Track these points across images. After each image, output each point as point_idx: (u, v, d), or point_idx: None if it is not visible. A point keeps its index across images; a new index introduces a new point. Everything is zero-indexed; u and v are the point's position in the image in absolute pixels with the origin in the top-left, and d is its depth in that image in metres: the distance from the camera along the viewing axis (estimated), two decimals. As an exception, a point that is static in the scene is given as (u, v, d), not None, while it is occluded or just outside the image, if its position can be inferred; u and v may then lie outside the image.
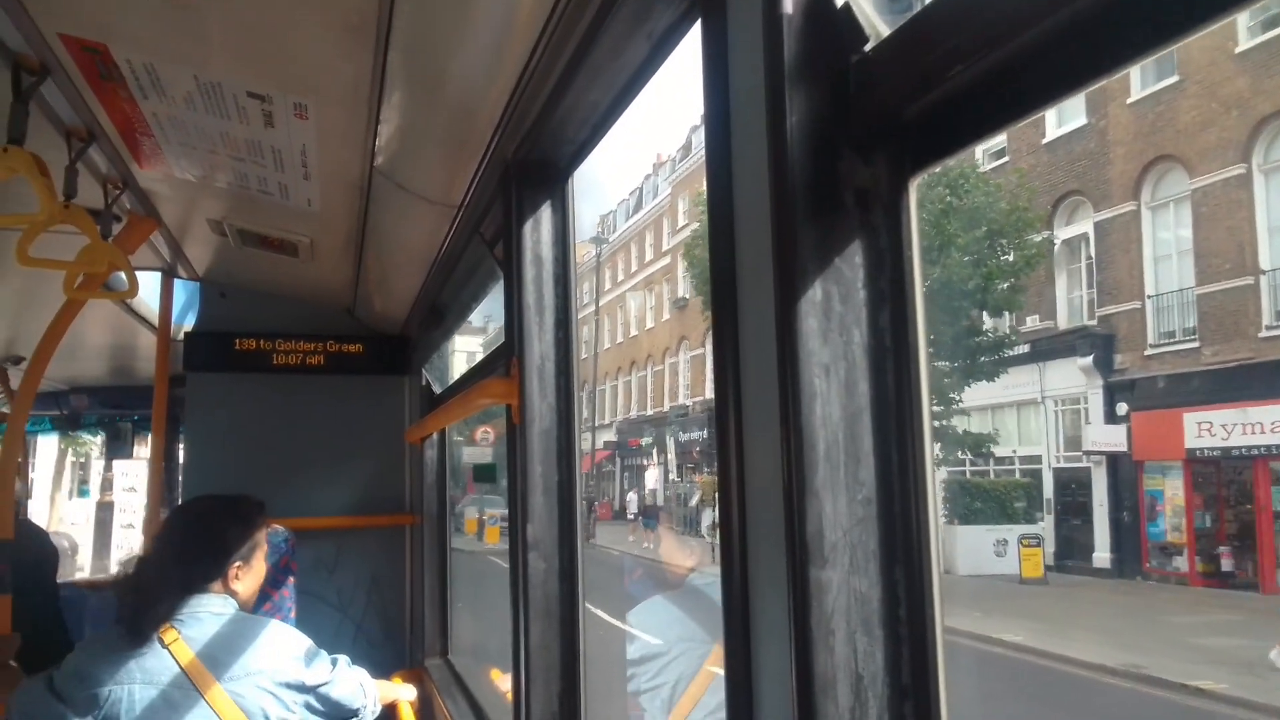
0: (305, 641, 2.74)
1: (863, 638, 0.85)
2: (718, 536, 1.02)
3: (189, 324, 4.39)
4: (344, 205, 2.83)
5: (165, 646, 2.50)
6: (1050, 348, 23.27)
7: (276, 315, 4.28)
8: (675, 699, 3.56)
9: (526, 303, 2.04)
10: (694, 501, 33.50)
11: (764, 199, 0.93)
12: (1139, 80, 21.26)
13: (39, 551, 4.25)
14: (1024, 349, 23.24)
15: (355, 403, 4.37)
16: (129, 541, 15.13)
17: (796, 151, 0.89)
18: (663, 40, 1.48)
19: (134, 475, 15.62)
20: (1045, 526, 23.22)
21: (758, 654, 0.95)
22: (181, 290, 4.13)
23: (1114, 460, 21.76)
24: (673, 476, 40.47)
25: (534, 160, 2.02)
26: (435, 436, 4.17)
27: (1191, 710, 10.92)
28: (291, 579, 3.76)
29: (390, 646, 4.31)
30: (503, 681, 3.65)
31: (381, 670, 3.45)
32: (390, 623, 4.35)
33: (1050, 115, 23.32)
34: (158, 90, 2.18)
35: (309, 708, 2.67)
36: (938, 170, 20.07)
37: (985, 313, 22.48)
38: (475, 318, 3.92)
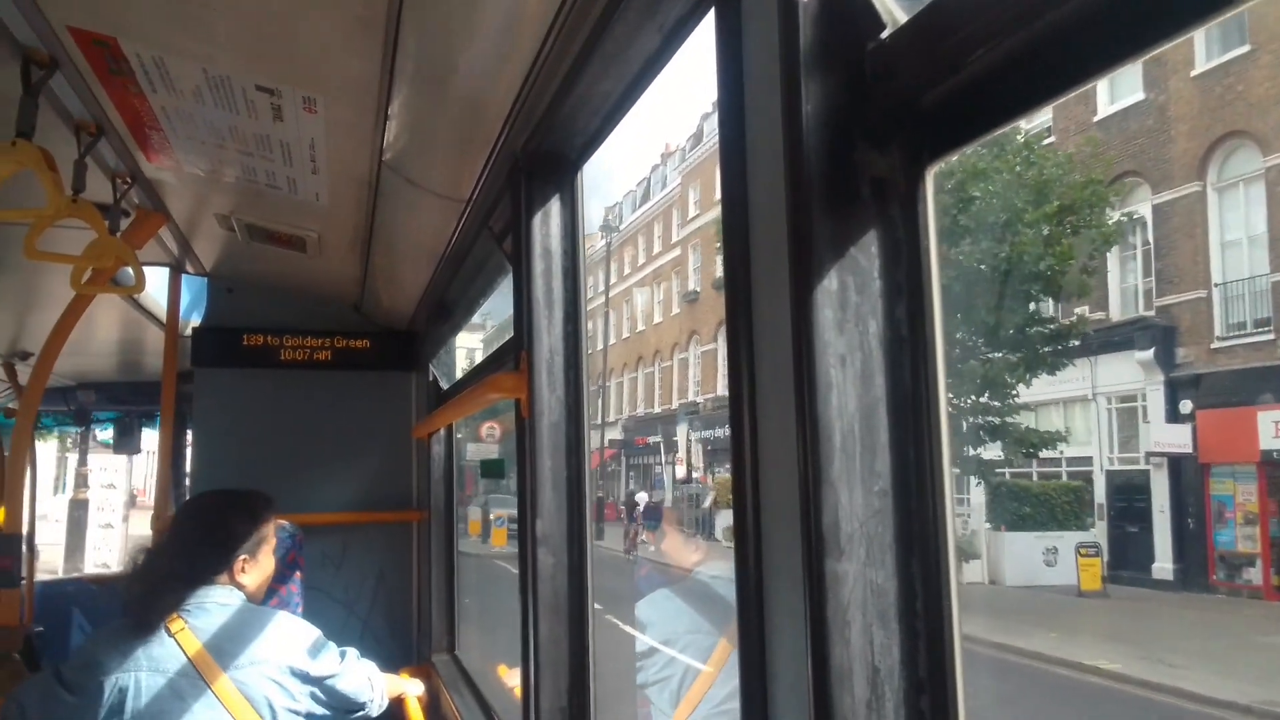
0: (314, 633, 2.74)
1: (879, 630, 0.84)
2: (733, 535, 1.01)
3: (196, 319, 4.39)
4: (352, 200, 2.83)
5: (172, 636, 2.52)
6: (1103, 340, 21.02)
7: (284, 311, 4.28)
8: (683, 691, 3.56)
9: (535, 297, 2.04)
10: (707, 503, 32.30)
11: (779, 189, 0.93)
12: (1204, 51, 19.52)
13: None
14: (1073, 342, 20.92)
15: (362, 398, 4.37)
16: (108, 542, 14.26)
17: (812, 141, 0.88)
18: (674, 31, 1.47)
19: (113, 471, 14.78)
20: (1097, 534, 21.28)
21: (772, 645, 0.94)
22: (189, 286, 4.14)
23: (1176, 462, 20.02)
24: (680, 475, 39.42)
25: (543, 153, 2.02)
26: (442, 432, 4.17)
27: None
28: (298, 574, 3.76)
29: (397, 642, 4.31)
30: (510, 678, 3.65)
31: (388, 666, 3.45)
32: (397, 619, 4.35)
33: (1102, 91, 21.61)
34: (166, 84, 2.17)
35: (315, 699, 2.68)
36: (1004, 138, 18.54)
37: (1051, 298, 20.40)
38: (475, 314, 3.92)
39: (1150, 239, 21.11)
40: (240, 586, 2.73)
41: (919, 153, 0.87)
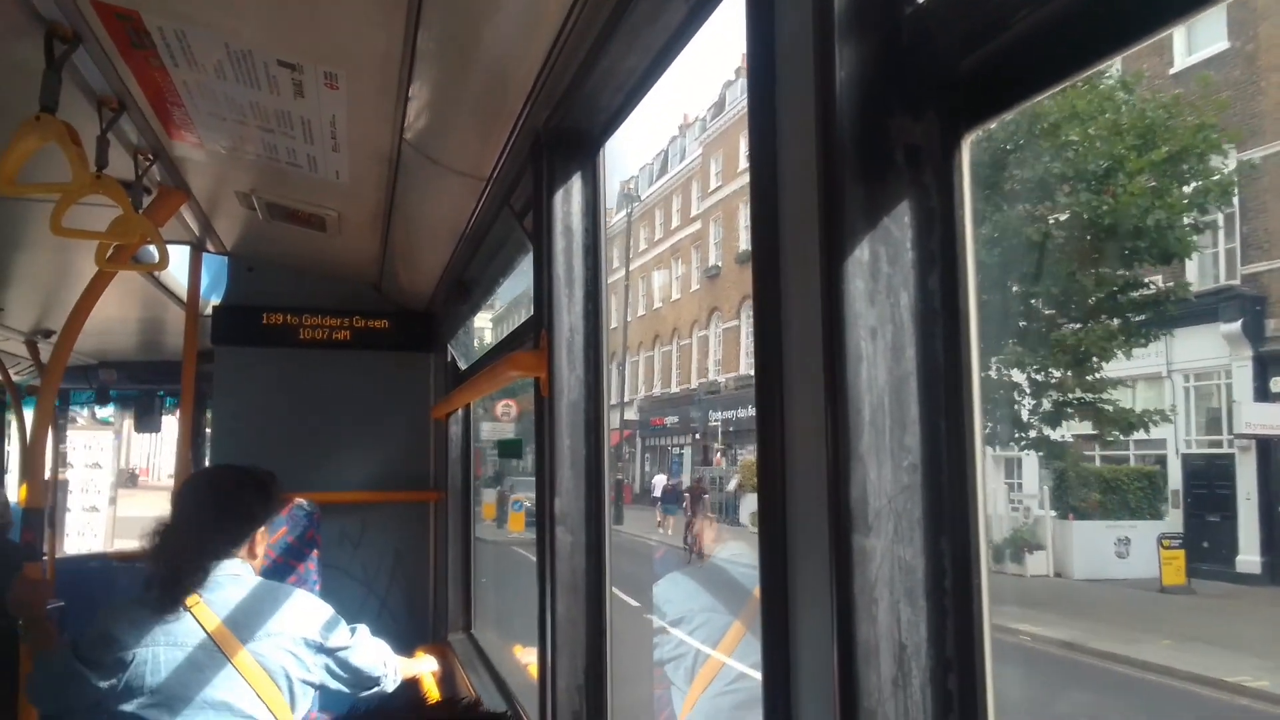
0: (328, 609, 2.78)
1: (906, 607, 0.83)
2: (758, 510, 0.99)
3: (216, 298, 4.41)
4: (372, 178, 2.82)
5: (189, 610, 2.54)
6: (1179, 312, 18.29)
7: (303, 290, 4.29)
8: (697, 668, 3.56)
9: (556, 274, 2.02)
10: (732, 486, 30.98)
11: (810, 157, 0.91)
12: (1300, -7, 17.01)
13: None
14: (1170, 310, 18.17)
15: (381, 378, 4.39)
16: (92, 527, 13.41)
17: (845, 108, 0.87)
18: (700, 3, 1.45)
19: (98, 449, 13.73)
20: (1171, 523, 19.33)
21: (796, 621, 0.93)
22: (209, 264, 4.15)
23: (1265, 446, 17.59)
24: (700, 461, 38.28)
25: (565, 129, 2.00)
26: (460, 413, 4.17)
27: None
28: (316, 552, 3.79)
29: (414, 621, 4.33)
30: (524, 656, 3.67)
31: (405, 644, 3.47)
32: (414, 597, 4.37)
33: (1178, 41, 18.99)
34: (188, 58, 2.17)
35: (329, 671, 2.70)
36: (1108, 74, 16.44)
37: (1157, 258, 17.38)
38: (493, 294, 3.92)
39: (1235, 200, 18.29)
40: (250, 559, 2.76)
41: (955, 120, 0.85)
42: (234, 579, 2.63)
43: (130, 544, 3.43)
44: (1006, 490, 21.74)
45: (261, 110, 2.43)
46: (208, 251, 4.07)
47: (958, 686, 0.83)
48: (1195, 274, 18.92)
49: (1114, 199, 16.42)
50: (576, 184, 2.04)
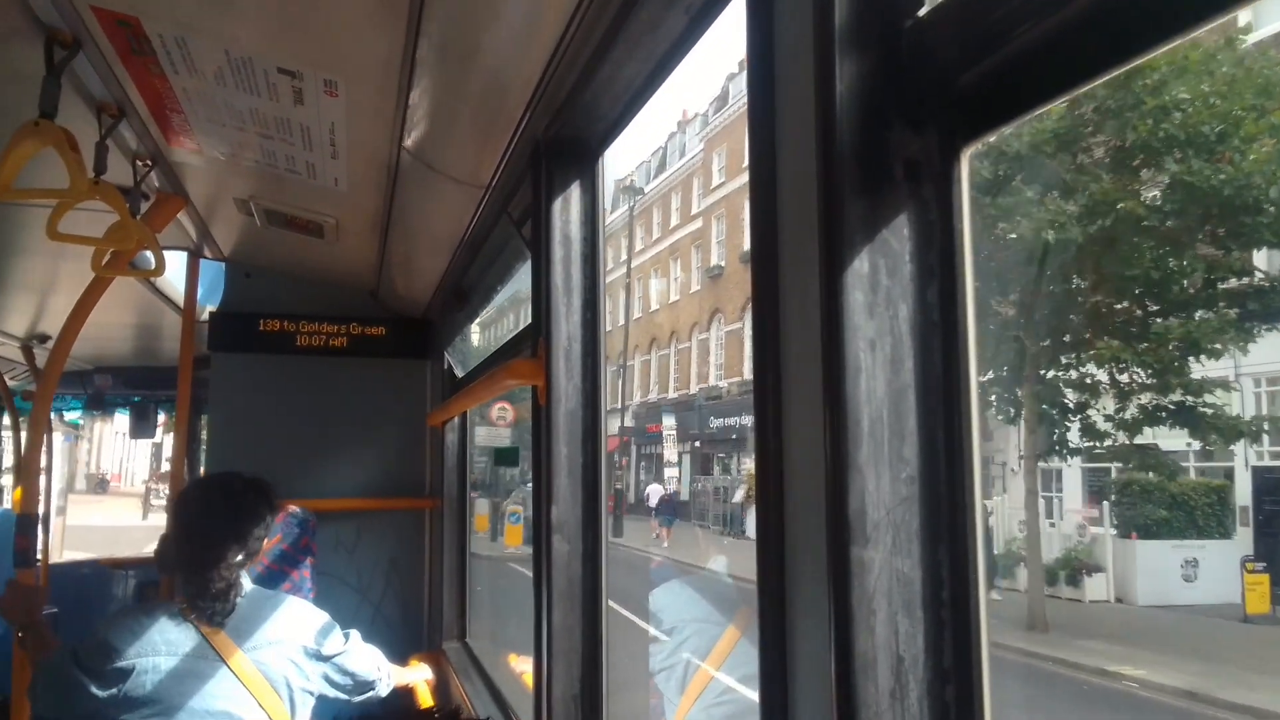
0: (322, 615, 2.78)
1: (904, 619, 0.83)
2: (756, 521, 0.99)
3: (213, 304, 4.41)
4: (371, 185, 2.82)
5: (187, 619, 2.53)
6: (1251, 308, 14.96)
7: (300, 297, 4.29)
8: (688, 679, 3.56)
9: (554, 283, 2.03)
10: (738, 497, 29.52)
11: (810, 170, 0.91)
12: None
13: None
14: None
15: (377, 385, 4.38)
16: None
17: (845, 122, 0.87)
18: (701, 13, 1.46)
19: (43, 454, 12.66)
20: (1241, 543, 17.47)
21: (794, 632, 0.93)
22: (206, 270, 4.14)
23: None
24: (700, 470, 37.01)
25: (565, 138, 2.01)
26: (456, 420, 4.17)
27: None
28: (311, 559, 3.78)
29: (408, 629, 4.32)
30: (519, 665, 3.66)
31: (399, 652, 3.46)
32: (409, 605, 4.36)
33: (1243, 18, 15.43)
34: (188, 65, 2.17)
35: (327, 679, 2.70)
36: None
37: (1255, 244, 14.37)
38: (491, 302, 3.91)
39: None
40: (253, 567, 2.77)
41: (954, 134, 0.86)
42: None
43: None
44: (1044, 505, 20.12)
45: (261, 117, 2.44)
46: (205, 257, 4.07)
47: (955, 698, 0.83)
48: (1264, 262, 15.66)
49: (1232, 166, 13.46)
50: (575, 192, 2.05)
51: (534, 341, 2.11)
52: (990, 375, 15.31)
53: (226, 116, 2.47)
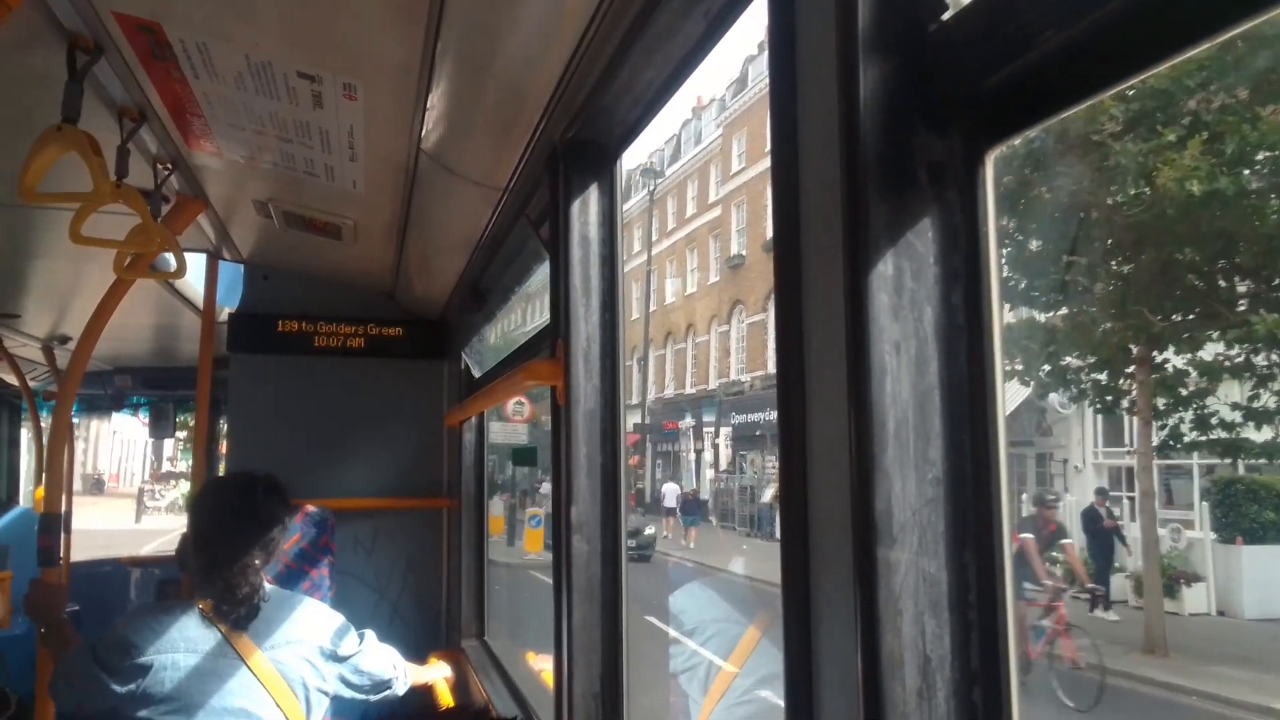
0: (338, 617, 2.80)
1: (931, 620, 0.84)
2: (780, 522, 1.00)
3: (232, 305, 4.44)
4: (389, 187, 2.84)
5: (206, 616, 2.56)
6: None
7: (318, 298, 4.32)
8: (710, 678, 3.57)
9: (573, 284, 2.04)
10: (766, 497, 28.37)
11: (833, 173, 0.92)
12: None
13: None
14: None
15: (395, 386, 4.41)
16: None
17: (869, 125, 0.88)
18: (720, 16, 1.47)
19: None
20: None
21: (819, 633, 0.93)
22: (224, 272, 4.18)
23: None
24: (723, 468, 35.15)
25: (582, 141, 2.01)
26: (473, 420, 4.19)
27: None
28: (330, 558, 3.81)
29: (426, 627, 4.35)
30: (538, 663, 3.68)
31: (417, 650, 3.48)
32: (426, 604, 4.39)
33: None
34: (209, 70, 2.19)
35: (343, 680, 2.72)
36: None
37: None
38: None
39: None
40: (271, 565, 2.79)
41: (978, 137, 0.86)
42: None
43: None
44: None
45: (280, 120, 2.46)
46: (224, 259, 4.10)
47: (982, 698, 0.84)
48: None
49: None
50: (594, 195, 2.06)
51: (552, 342, 2.12)
52: (1078, 360, 13.49)
53: (246, 120, 2.49)
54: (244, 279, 4.33)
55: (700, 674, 3.58)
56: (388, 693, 2.89)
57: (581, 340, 2.03)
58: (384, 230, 3.32)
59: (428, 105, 2.19)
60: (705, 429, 37.62)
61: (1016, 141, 0.86)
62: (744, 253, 37.67)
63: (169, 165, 2.79)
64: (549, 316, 2.26)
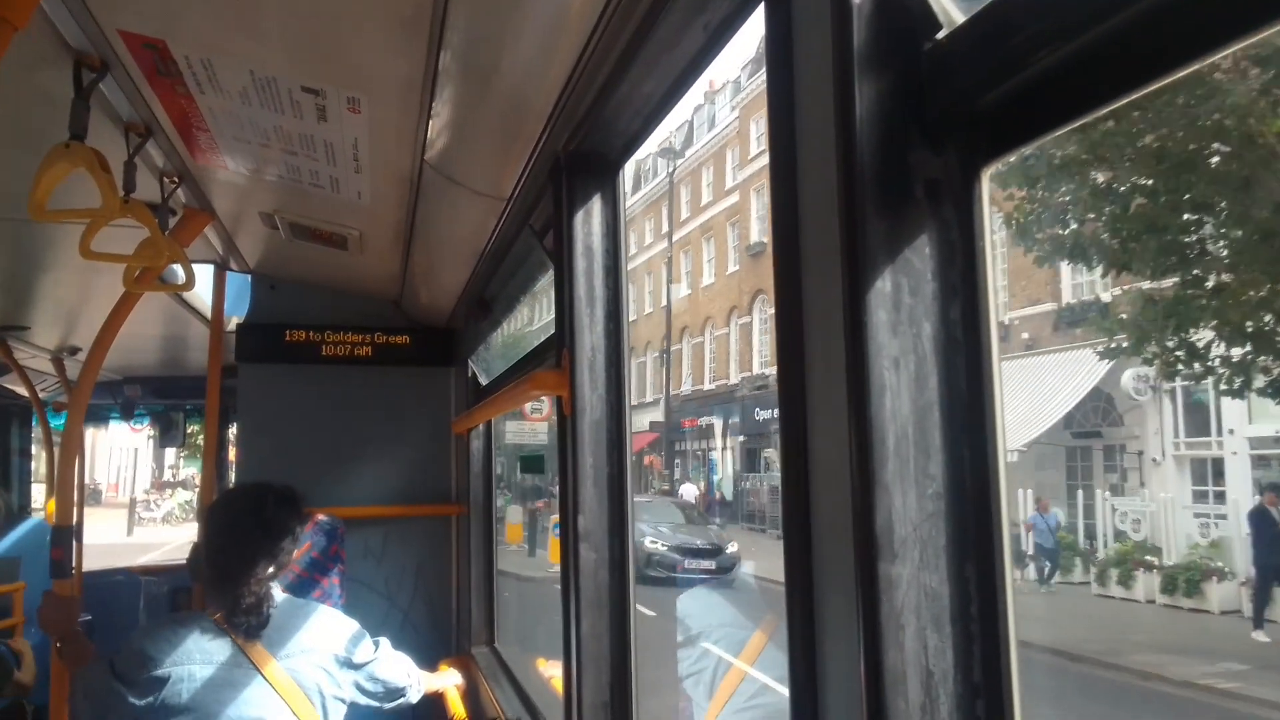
0: (352, 624, 2.82)
1: (933, 634, 0.84)
2: (783, 538, 1.01)
3: (239, 316, 4.46)
4: (394, 198, 2.86)
5: (221, 627, 2.57)
6: None
7: (325, 307, 4.34)
8: (716, 684, 3.56)
9: (578, 295, 2.05)
10: None
11: (830, 190, 0.92)
12: None
13: None
14: None
15: (402, 394, 4.43)
16: None
17: (865, 142, 0.88)
18: (720, 30, 1.47)
19: None
20: None
21: (822, 648, 0.94)
22: (231, 282, 4.20)
23: None
24: (748, 467, 33.94)
25: (585, 152, 2.03)
26: (481, 427, 4.20)
27: None
28: (340, 566, 3.82)
29: (437, 634, 4.36)
30: (547, 669, 3.68)
31: (428, 657, 3.50)
32: (436, 610, 4.40)
33: None
34: (214, 85, 2.21)
35: (359, 687, 2.74)
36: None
37: None
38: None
39: None
40: (283, 577, 2.81)
41: (975, 153, 0.87)
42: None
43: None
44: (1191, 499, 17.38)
45: (285, 134, 2.47)
46: (231, 270, 4.12)
47: (985, 712, 0.84)
48: None
49: None
50: (596, 205, 2.07)
51: (558, 352, 2.13)
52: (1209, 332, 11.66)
53: (251, 134, 2.51)
54: (251, 289, 4.35)
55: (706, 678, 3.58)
56: (401, 700, 2.91)
57: (586, 350, 2.04)
58: (389, 240, 3.33)
59: (431, 116, 2.21)
60: (727, 425, 36.04)
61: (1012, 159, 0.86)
62: (765, 240, 34.89)
63: (175, 179, 2.81)
64: (553, 325, 2.27)
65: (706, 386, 39.78)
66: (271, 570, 2.67)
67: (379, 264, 3.70)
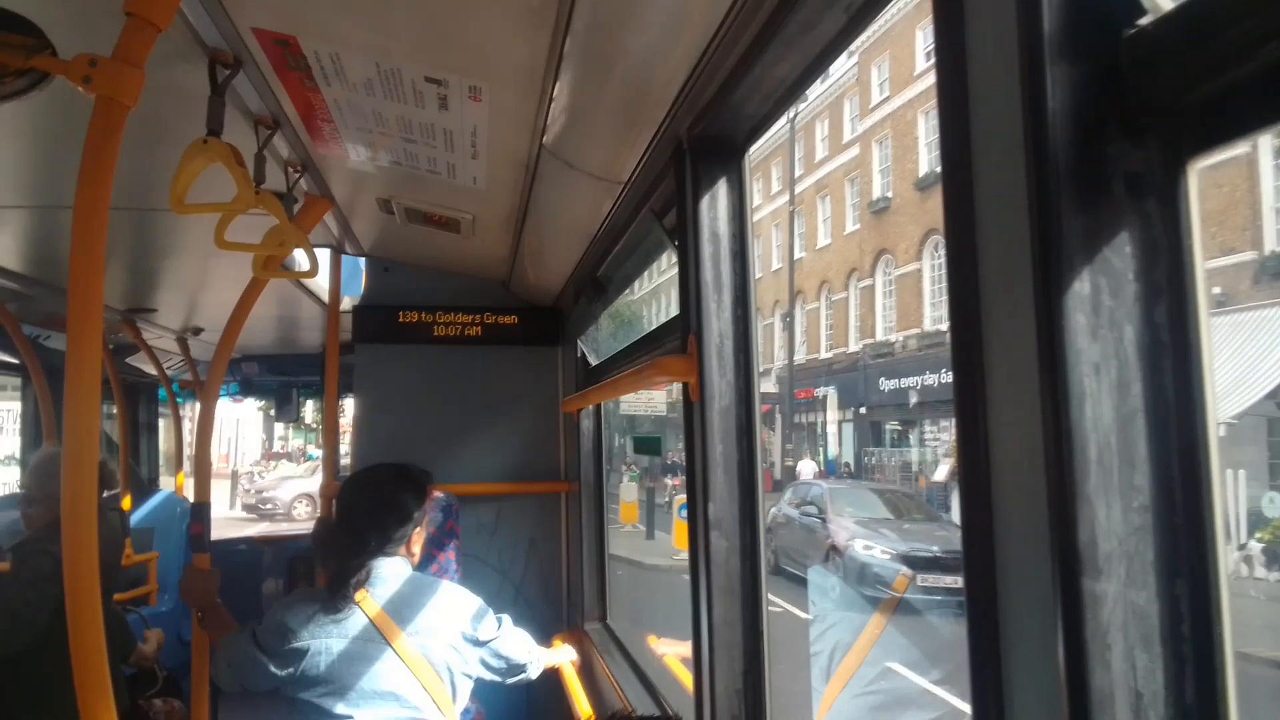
0: (476, 601, 2.88)
1: (1142, 654, 0.80)
2: (963, 552, 0.97)
3: (352, 297, 4.58)
4: (509, 183, 2.87)
5: (356, 604, 2.67)
6: None
7: (436, 288, 4.43)
8: (834, 666, 3.54)
9: (704, 280, 2.03)
10: (942, 475, 24.47)
11: (1014, 185, 0.88)
12: None
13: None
14: None
15: (511, 372, 4.49)
16: None
17: (1059, 135, 0.84)
18: (862, 12, 1.42)
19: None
20: None
21: (1009, 667, 0.91)
22: (345, 264, 4.31)
23: None
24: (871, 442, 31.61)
25: (709, 136, 1.99)
26: (591, 406, 4.23)
27: None
28: (456, 542, 3.92)
29: (549, 608, 4.44)
30: (660, 646, 3.71)
31: (541, 631, 3.56)
32: (548, 585, 4.48)
33: None
34: (340, 78, 2.25)
35: (484, 663, 2.81)
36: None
37: None
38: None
39: None
40: (411, 555, 2.89)
41: (1180, 147, 0.81)
42: (396, 575, 2.76)
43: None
44: None
45: (405, 122, 2.51)
46: (346, 254, 4.23)
47: (1197, 734, 0.81)
48: None
49: None
50: (722, 189, 2.04)
51: (683, 338, 2.12)
52: None
53: (373, 123, 2.55)
54: (366, 272, 4.46)
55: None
56: (522, 675, 2.97)
57: (714, 337, 2.02)
58: (501, 223, 3.36)
59: (551, 102, 2.21)
60: (844, 396, 33.31)
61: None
62: (889, 195, 31.94)
63: (299, 168, 2.89)
64: (677, 309, 2.26)
65: (822, 355, 36.43)
66: (374, 544, 2.76)
67: (490, 246, 3.74)
